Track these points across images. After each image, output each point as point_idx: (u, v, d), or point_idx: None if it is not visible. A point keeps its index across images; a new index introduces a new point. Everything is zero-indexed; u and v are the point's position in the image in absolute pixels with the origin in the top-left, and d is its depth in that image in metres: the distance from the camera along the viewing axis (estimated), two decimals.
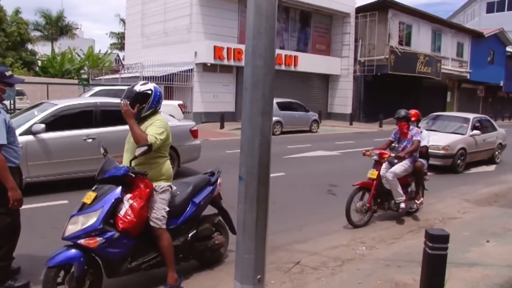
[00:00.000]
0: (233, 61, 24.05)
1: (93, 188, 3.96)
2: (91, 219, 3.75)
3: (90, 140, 7.93)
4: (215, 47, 23.22)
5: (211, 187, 4.75)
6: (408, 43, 32.25)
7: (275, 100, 20.97)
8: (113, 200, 3.83)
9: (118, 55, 59.85)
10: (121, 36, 55.46)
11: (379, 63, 29.45)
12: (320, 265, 5.10)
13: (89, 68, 44.88)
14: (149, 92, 4.15)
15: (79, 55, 48.13)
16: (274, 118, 20.43)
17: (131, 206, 3.89)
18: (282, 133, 20.74)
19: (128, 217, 3.85)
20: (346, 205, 6.51)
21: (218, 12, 24.43)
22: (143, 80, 21.95)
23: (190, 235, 4.49)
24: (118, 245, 3.84)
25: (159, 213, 4.06)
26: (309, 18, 29.99)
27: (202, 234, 4.64)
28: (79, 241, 3.70)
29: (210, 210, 4.92)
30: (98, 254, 3.78)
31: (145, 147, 3.84)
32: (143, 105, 4.12)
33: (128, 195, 3.92)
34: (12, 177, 3.85)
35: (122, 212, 3.87)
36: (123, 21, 53.13)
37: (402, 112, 7.08)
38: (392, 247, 5.87)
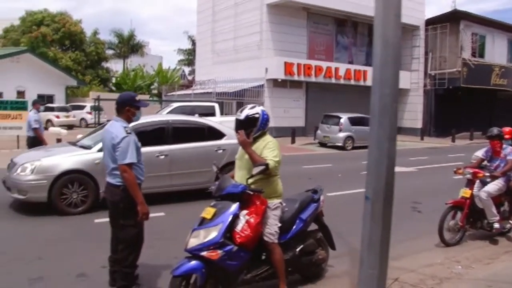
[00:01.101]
0: (303, 76, 24.35)
1: (212, 204, 4.28)
2: (212, 233, 4.05)
3: (163, 157, 8.19)
4: (285, 63, 23.65)
5: (315, 204, 4.97)
6: (481, 55, 31.22)
7: (346, 116, 21.07)
8: (231, 216, 4.12)
9: (183, 71, 61.85)
10: (188, 53, 57.36)
11: (450, 76, 28.72)
12: (418, 283, 5.16)
13: (159, 84, 46.78)
14: (257, 115, 4.42)
15: (148, 72, 50.28)
16: (345, 134, 20.52)
17: (247, 221, 4.16)
18: (353, 148, 20.68)
19: (245, 232, 4.13)
20: (439, 223, 6.50)
21: (287, 28, 24.91)
22: (216, 96, 22.79)
23: (298, 249, 4.72)
24: (236, 258, 4.12)
25: (272, 228, 4.32)
26: None
27: (308, 249, 4.86)
28: (201, 253, 4.00)
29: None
30: (218, 266, 4.06)
31: (263, 167, 4.12)
32: (251, 128, 4.39)
33: (244, 211, 4.20)
34: (141, 193, 4.24)
35: (239, 227, 4.15)
36: (191, 38, 54.96)
37: (495, 130, 6.97)
38: (489, 267, 5.81)
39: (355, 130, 20.93)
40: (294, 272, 4.85)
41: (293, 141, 21.46)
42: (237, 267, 4.15)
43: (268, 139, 4.43)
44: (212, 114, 17.27)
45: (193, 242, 4.07)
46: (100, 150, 7.69)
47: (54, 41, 39.32)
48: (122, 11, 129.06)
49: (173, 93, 28.64)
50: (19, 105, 16.97)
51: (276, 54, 24.30)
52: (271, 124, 21.21)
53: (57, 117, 28.09)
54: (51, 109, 28.40)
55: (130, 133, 4.24)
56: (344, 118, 21.01)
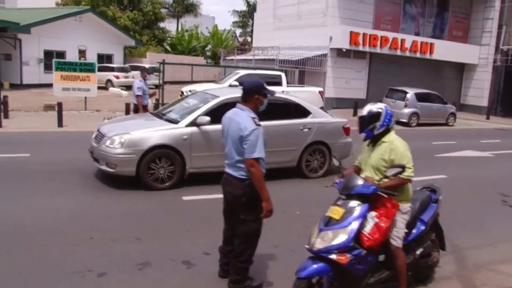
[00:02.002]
0: (368, 47, 23.48)
1: (339, 203, 4.05)
2: (341, 236, 3.83)
3: None
4: (351, 32, 22.82)
5: (435, 205, 4.67)
6: None
7: (413, 91, 20.30)
8: (361, 218, 3.89)
9: (235, 33, 61.30)
10: (243, 15, 56.70)
11: None
12: None
13: (213, 46, 46.59)
14: (380, 110, 4.17)
15: (203, 33, 50.12)
16: (411, 110, 19.80)
17: (376, 224, 3.92)
18: (418, 125, 19.96)
19: (375, 235, 3.89)
20: None
21: None
22: (279, 63, 22.32)
23: (418, 252, 4.48)
24: (364, 262, 3.92)
25: (400, 232, 4.10)
26: (447, 2, 28.20)
27: (426, 251, 4.60)
28: (330, 256, 3.81)
29: None
30: (346, 269, 3.86)
31: (400, 169, 3.88)
32: (374, 123, 4.12)
33: (373, 213, 3.96)
34: (267, 188, 4.02)
35: (367, 230, 3.92)
36: (247, 0, 54.22)
37: None
38: None
39: (421, 106, 20.20)
40: (413, 275, 4.61)
41: (355, 114, 20.85)
42: (364, 272, 3.98)
43: (395, 141, 4.15)
44: (279, 83, 16.88)
45: (320, 243, 3.88)
46: (189, 125, 7.62)
47: (112, 0, 39.51)
48: None
49: (232, 57, 28.23)
50: (88, 67, 17.12)
51: (341, 23, 23.41)
52: (332, 94, 20.88)
53: (117, 77, 28.48)
54: (111, 69, 28.77)
55: (259, 125, 4.00)
56: (410, 93, 20.20)
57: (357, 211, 3.92)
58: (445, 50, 26.51)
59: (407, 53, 25.13)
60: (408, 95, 20.02)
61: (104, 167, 7.44)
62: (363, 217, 3.91)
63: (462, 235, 6.25)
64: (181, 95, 16.39)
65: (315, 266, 3.84)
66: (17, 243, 5.09)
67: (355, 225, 3.86)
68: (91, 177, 8.01)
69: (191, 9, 53.53)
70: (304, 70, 23.01)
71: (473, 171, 11.08)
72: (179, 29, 51.22)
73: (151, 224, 5.99)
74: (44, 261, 4.73)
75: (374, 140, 4.22)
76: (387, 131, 4.20)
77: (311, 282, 3.84)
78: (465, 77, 29.52)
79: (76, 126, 13.75)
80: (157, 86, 30.58)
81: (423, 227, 4.48)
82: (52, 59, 26.95)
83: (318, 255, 3.88)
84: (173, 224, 6.04)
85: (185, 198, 7.13)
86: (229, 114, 4.23)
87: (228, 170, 4.19)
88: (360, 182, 4.04)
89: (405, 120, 19.77)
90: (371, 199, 3.99)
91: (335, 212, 3.98)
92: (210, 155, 7.65)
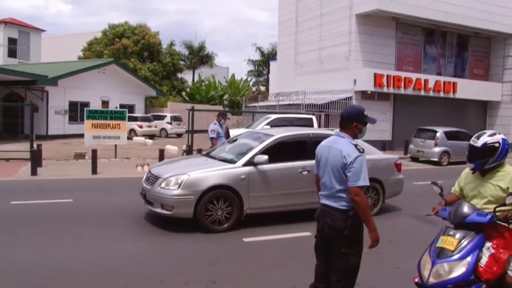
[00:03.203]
0: (392, 88, 23.52)
1: (450, 232, 3.78)
2: (459, 269, 3.55)
3: (306, 172, 7.74)
4: (375, 74, 22.93)
5: None
6: None
7: (442, 130, 20.05)
8: (478, 249, 3.60)
9: (247, 82, 62.22)
10: (258, 64, 57.68)
11: None
12: None
13: (231, 95, 47.19)
14: (497, 145, 3.88)
15: (220, 83, 50.96)
16: (441, 148, 19.52)
17: (493, 256, 3.63)
18: (449, 163, 19.58)
19: (493, 268, 3.60)
20: None
21: (376, 39, 24.18)
22: (305, 107, 22.35)
23: None
24: None
25: None
26: (467, 42, 28.40)
27: None
28: None
29: None
30: None
31: None
32: (487, 158, 3.86)
33: (488, 244, 3.68)
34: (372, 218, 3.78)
35: (483, 262, 3.63)
36: (259, 49, 55.37)
37: None
38: None
39: (451, 145, 19.87)
40: None
41: None
42: None
43: (508, 169, 3.88)
44: (310, 126, 16.83)
45: (435, 276, 3.59)
46: (246, 165, 7.42)
47: (133, 52, 40.51)
48: (182, 23, 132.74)
49: (254, 104, 28.43)
50: (118, 115, 17.21)
51: (364, 65, 23.59)
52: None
53: (140, 126, 28.67)
54: (134, 119, 29.04)
55: (362, 151, 3.79)
56: (440, 132, 19.96)
57: (473, 242, 3.63)
58: (468, 88, 26.47)
59: (431, 93, 25.09)
60: (438, 134, 19.78)
61: (159, 210, 7.21)
62: (479, 248, 3.63)
63: None
64: None
65: None
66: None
67: (473, 257, 3.58)
68: (143, 221, 7.80)
69: (206, 60, 54.68)
70: (328, 114, 22.96)
71: None
72: (195, 79, 52.15)
73: (221, 267, 5.69)
74: None
75: (483, 172, 3.96)
76: (499, 164, 3.93)
77: None
78: (489, 114, 29.28)
79: (110, 173, 13.69)
80: (178, 135, 31.04)
81: None
82: (77, 110, 27.77)
83: None
84: (244, 267, 5.73)
85: (246, 239, 6.84)
86: (327, 142, 4.03)
87: (326, 201, 3.93)
88: (471, 210, 3.78)
89: (436, 159, 19.47)
90: (484, 229, 3.72)
91: (448, 242, 3.69)
92: (268, 195, 7.48)
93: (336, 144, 3.87)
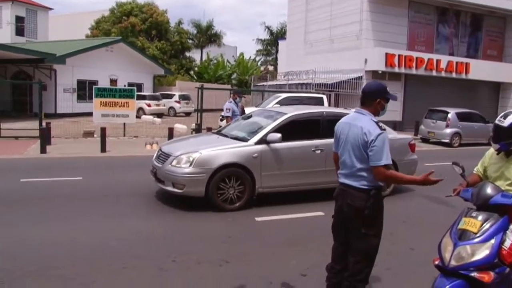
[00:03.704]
0: (404, 68, 23.17)
1: (473, 214, 3.62)
2: (482, 251, 3.40)
3: (319, 151, 7.61)
4: (387, 54, 22.59)
5: None
6: None
7: (454, 111, 19.75)
8: (502, 232, 3.46)
9: (256, 61, 61.75)
10: (266, 43, 57.13)
11: None
12: None
13: (239, 74, 46.87)
14: None
15: (229, 62, 50.59)
16: (453, 130, 19.25)
17: None
18: (460, 145, 19.34)
19: None
20: None
21: (388, 18, 23.76)
22: (315, 87, 22.07)
23: None
24: (506, 281, 3.47)
25: None
26: (481, 22, 27.83)
27: None
28: (471, 274, 3.37)
29: None
30: None
31: None
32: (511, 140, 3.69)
33: None
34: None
35: (507, 244, 3.48)
36: (268, 28, 54.77)
37: None
38: None
39: (462, 126, 19.58)
40: None
41: None
42: None
43: None
44: (321, 105, 16.63)
45: (457, 259, 3.44)
46: (258, 143, 7.29)
47: (141, 31, 40.19)
48: (190, 1, 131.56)
49: (263, 83, 28.17)
50: (127, 93, 17.08)
51: (375, 45, 23.23)
52: None
53: (149, 105, 28.57)
54: (143, 98, 28.88)
55: (384, 129, 3.63)
56: (452, 113, 19.65)
57: (497, 224, 3.49)
58: (481, 69, 26.02)
59: (443, 74, 24.71)
60: (449, 115, 19.47)
61: (170, 188, 7.11)
62: (503, 230, 3.49)
63: None
64: (221, 120, 16.32)
65: (453, 284, 3.42)
66: (100, 267, 4.77)
67: (497, 239, 3.43)
68: (153, 199, 7.72)
69: (214, 39, 54.17)
70: (338, 93, 22.69)
71: None
72: (204, 58, 51.80)
73: (233, 246, 5.60)
74: (134, 285, 4.39)
75: (509, 153, 3.79)
76: None
77: None
78: (501, 96, 28.81)
79: (119, 151, 13.63)
80: (187, 114, 30.91)
81: None
82: (85, 89, 27.68)
83: (454, 272, 3.46)
84: (256, 246, 5.63)
85: (258, 219, 6.74)
86: (347, 119, 3.86)
87: (345, 180, 3.78)
88: (496, 191, 3.62)
89: (447, 141, 19.22)
90: (509, 211, 3.58)
91: (471, 224, 3.54)
92: (280, 174, 7.35)
93: (357, 121, 3.71)
